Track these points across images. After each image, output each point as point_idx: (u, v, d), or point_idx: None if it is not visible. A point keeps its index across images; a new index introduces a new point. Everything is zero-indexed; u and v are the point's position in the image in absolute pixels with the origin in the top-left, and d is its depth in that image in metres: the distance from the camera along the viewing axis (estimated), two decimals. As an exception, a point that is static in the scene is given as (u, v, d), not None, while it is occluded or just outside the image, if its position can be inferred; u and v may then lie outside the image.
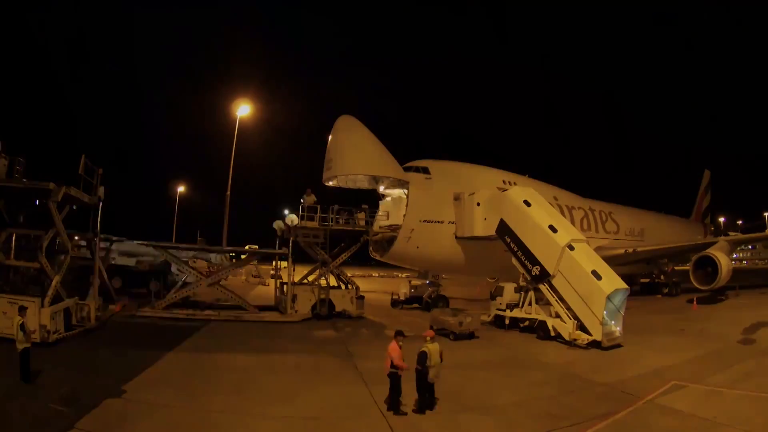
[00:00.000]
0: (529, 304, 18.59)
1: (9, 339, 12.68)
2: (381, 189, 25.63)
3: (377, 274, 56.93)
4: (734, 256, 45.02)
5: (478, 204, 22.46)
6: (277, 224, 22.66)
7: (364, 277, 51.62)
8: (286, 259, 22.47)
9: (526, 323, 18.62)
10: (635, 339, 16.55)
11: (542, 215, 19.02)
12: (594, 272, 16.61)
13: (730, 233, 43.67)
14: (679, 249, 33.28)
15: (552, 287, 17.52)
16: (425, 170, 24.20)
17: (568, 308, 16.89)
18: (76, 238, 19.43)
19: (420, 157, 25.26)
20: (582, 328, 16.28)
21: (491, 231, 20.80)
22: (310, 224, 21.93)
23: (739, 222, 72.80)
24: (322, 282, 22.45)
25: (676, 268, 34.18)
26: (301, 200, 22.53)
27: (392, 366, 9.22)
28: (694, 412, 9.30)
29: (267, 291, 30.67)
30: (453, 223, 23.56)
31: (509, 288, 20.12)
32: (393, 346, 9.43)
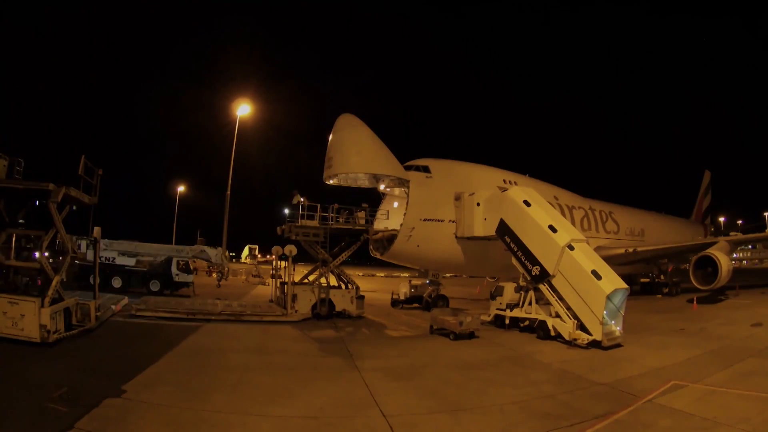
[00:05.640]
0: (529, 303, 18.59)
1: (9, 339, 12.79)
2: (381, 188, 25.64)
3: (381, 275, 56.92)
4: (734, 256, 45.09)
5: (478, 204, 22.46)
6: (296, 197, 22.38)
7: (365, 276, 51.70)
8: (285, 259, 22.45)
9: (526, 323, 18.62)
10: (635, 339, 16.57)
11: (542, 215, 19.00)
12: (594, 272, 16.60)
13: (731, 233, 43.71)
14: (679, 249, 33.28)
15: (552, 287, 17.52)
16: (426, 169, 24.18)
17: (568, 308, 16.89)
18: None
19: (420, 156, 25.27)
20: (582, 327, 16.28)
21: (491, 231, 20.80)
22: (310, 223, 21.94)
23: (739, 222, 73.01)
24: (322, 281, 22.46)
25: (676, 267, 34.20)
26: (301, 199, 22.54)
27: None
28: (694, 412, 9.29)
29: (267, 291, 30.70)
30: (453, 222, 23.55)
31: (509, 288, 20.11)
32: None
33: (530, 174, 29.78)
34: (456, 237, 23.51)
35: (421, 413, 9.34)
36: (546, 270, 17.63)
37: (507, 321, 19.54)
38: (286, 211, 22.64)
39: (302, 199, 22.54)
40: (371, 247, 24.47)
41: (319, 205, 22.26)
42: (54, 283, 13.88)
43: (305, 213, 21.99)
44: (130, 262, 28.83)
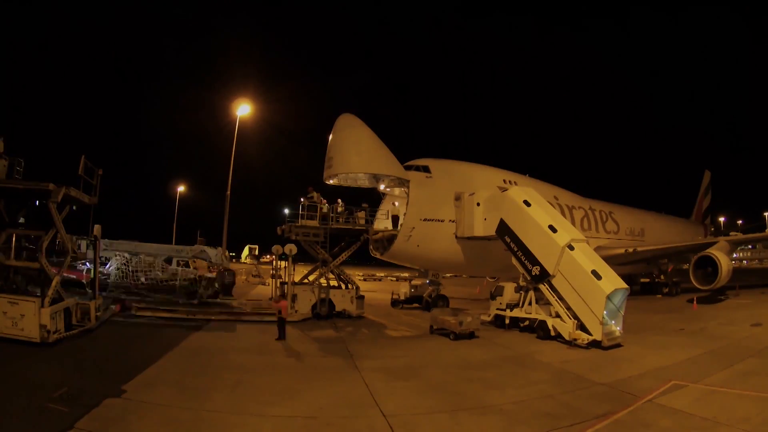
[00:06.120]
0: (529, 303, 18.59)
1: (9, 339, 12.80)
2: (381, 188, 25.65)
3: (381, 274, 56.91)
4: (734, 256, 45.08)
5: (478, 204, 22.47)
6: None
7: (365, 276, 51.70)
8: (285, 258, 22.47)
9: (526, 323, 18.62)
10: (635, 339, 16.56)
11: (542, 215, 19.00)
12: (594, 272, 16.60)
13: (731, 233, 43.72)
14: (679, 249, 33.28)
15: (552, 287, 17.52)
16: (426, 169, 24.20)
17: (568, 308, 16.89)
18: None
19: (420, 157, 25.28)
20: (582, 327, 16.28)
21: (491, 231, 20.80)
22: (310, 223, 21.94)
23: (739, 222, 73.01)
24: (322, 281, 22.46)
25: (676, 268, 34.19)
26: (301, 199, 22.55)
27: None
28: (694, 412, 9.29)
29: (267, 291, 30.69)
30: (453, 222, 23.56)
31: (509, 288, 20.11)
32: None
33: (530, 174, 29.82)
34: (456, 237, 23.52)
35: (421, 413, 9.34)
36: (546, 270, 17.62)
37: (507, 321, 19.54)
38: (287, 210, 22.64)
39: (314, 195, 22.51)
40: (371, 247, 24.49)
41: (319, 205, 22.18)
42: (54, 283, 13.88)
43: (305, 213, 22.00)
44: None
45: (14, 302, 13.08)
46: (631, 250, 31.34)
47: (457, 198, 23.49)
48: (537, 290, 18.33)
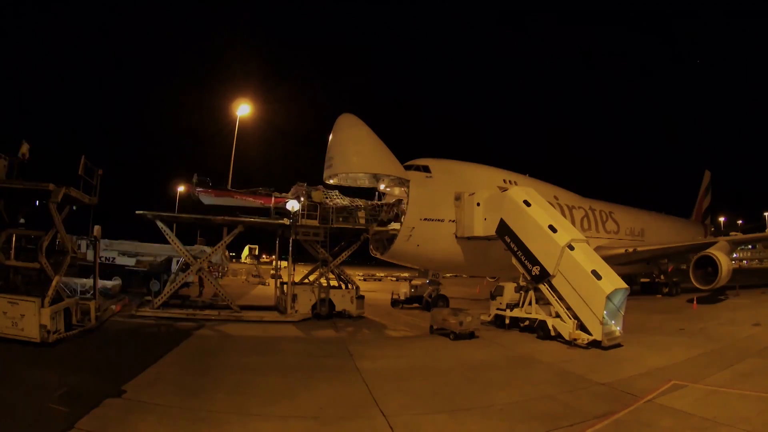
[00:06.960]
0: (529, 303, 18.59)
1: (9, 339, 12.79)
2: (381, 187, 25.64)
3: (381, 274, 56.92)
4: (734, 256, 45.12)
5: (478, 204, 22.46)
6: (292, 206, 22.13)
7: (365, 277, 51.71)
8: (286, 259, 22.43)
9: (527, 323, 18.62)
10: (635, 339, 16.56)
11: (542, 215, 19.00)
12: (594, 272, 16.60)
13: (731, 233, 43.75)
14: (679, 249, 33.28)
15: (552, 287, 17.52)
16: (426, 169, 24.19)
17: (568, 308, 16.89)
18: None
19: (420, 156, 25.27)
20: (582, 327, 16.28)
21: (491, 231, 20.80)
22: (310, 222, 21.93)
23: (739, 222, 73.05)
24: (323, 281, 22.45)
25: (676, 267, 34.19)
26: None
27: None
28: (694, 412, 9.28)
29: (267, 291, 30.71)
30: (453, 221, 23.55)
31: (509, 288, 20.11)
32: None
33: (530, 174, 29.80)
34: (456, 237, 23.52)
35: (421, 413, 9.34)
36: (546, 270, 17.62)
37: (507, 321, 19.54)
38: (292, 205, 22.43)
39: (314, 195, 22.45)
40: (371, 247, 24.49)
41: (319, 205, 22.10)
42: (54, 283, 13.87)
43: (305, 212, 21.98)
44: (130, 262, 28.80)
45: (14, 302, 13.07)
46: (631, 250, 31.34)
47: (457, 198, 23.48)
48: (537, 290, 18.33)
